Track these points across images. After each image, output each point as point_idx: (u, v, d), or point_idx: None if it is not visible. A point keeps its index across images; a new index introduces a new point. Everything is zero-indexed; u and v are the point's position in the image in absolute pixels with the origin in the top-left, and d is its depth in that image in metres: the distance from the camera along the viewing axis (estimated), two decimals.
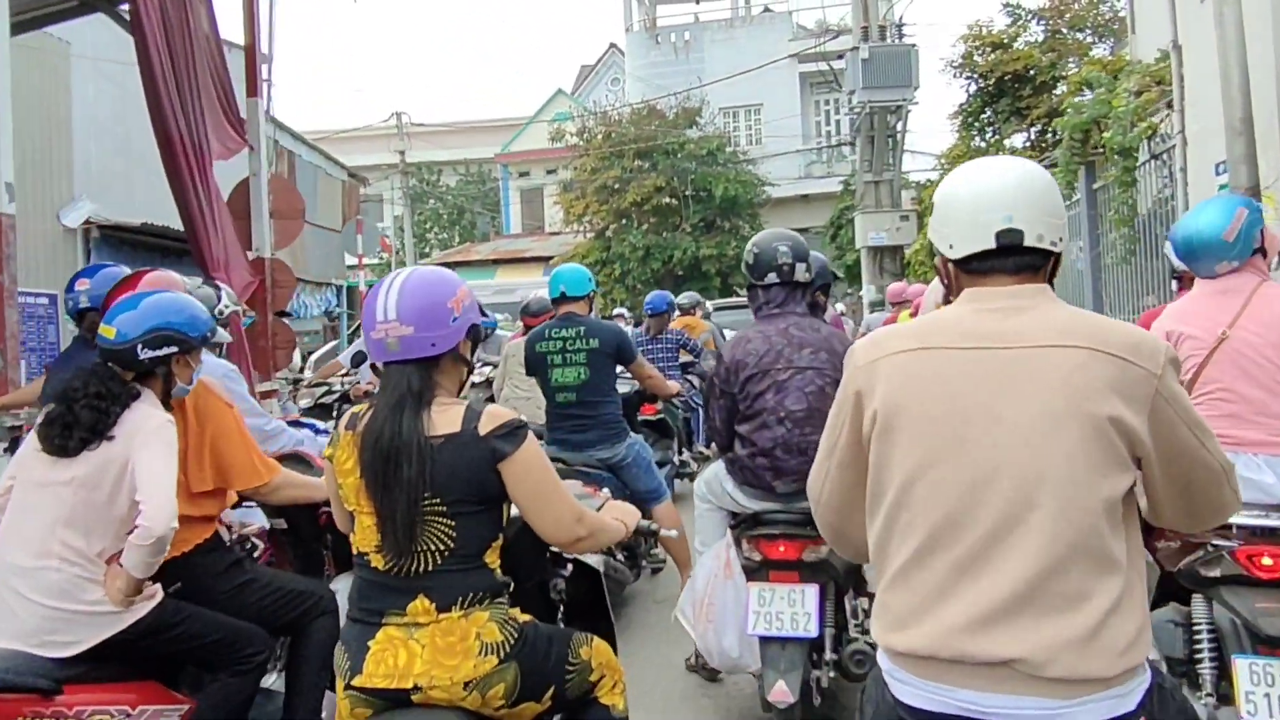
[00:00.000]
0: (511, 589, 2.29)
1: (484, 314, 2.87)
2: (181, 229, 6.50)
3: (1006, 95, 16.79)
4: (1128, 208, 8.21)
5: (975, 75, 17.20)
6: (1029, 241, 1.73)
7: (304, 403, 7.04)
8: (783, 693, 3.22)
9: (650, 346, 8.13)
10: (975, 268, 1.77)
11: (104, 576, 2.59)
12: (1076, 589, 1.57)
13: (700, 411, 8.34)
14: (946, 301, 1.89)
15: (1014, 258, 1.74)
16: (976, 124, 17.63)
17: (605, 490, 3.48)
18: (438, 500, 2.12)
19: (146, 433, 2.63)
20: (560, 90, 31.90)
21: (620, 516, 2.54)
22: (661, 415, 7.34)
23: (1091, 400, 1.60)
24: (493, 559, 2.21)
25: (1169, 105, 7.60)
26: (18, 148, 4.81)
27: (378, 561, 2.16)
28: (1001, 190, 1.74)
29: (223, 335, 3.85)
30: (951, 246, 1.79)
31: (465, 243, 33.08)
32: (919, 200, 18.66)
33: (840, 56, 18.47)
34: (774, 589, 3.38)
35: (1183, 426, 1.66)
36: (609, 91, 31.17)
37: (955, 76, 17.62)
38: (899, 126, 16.33)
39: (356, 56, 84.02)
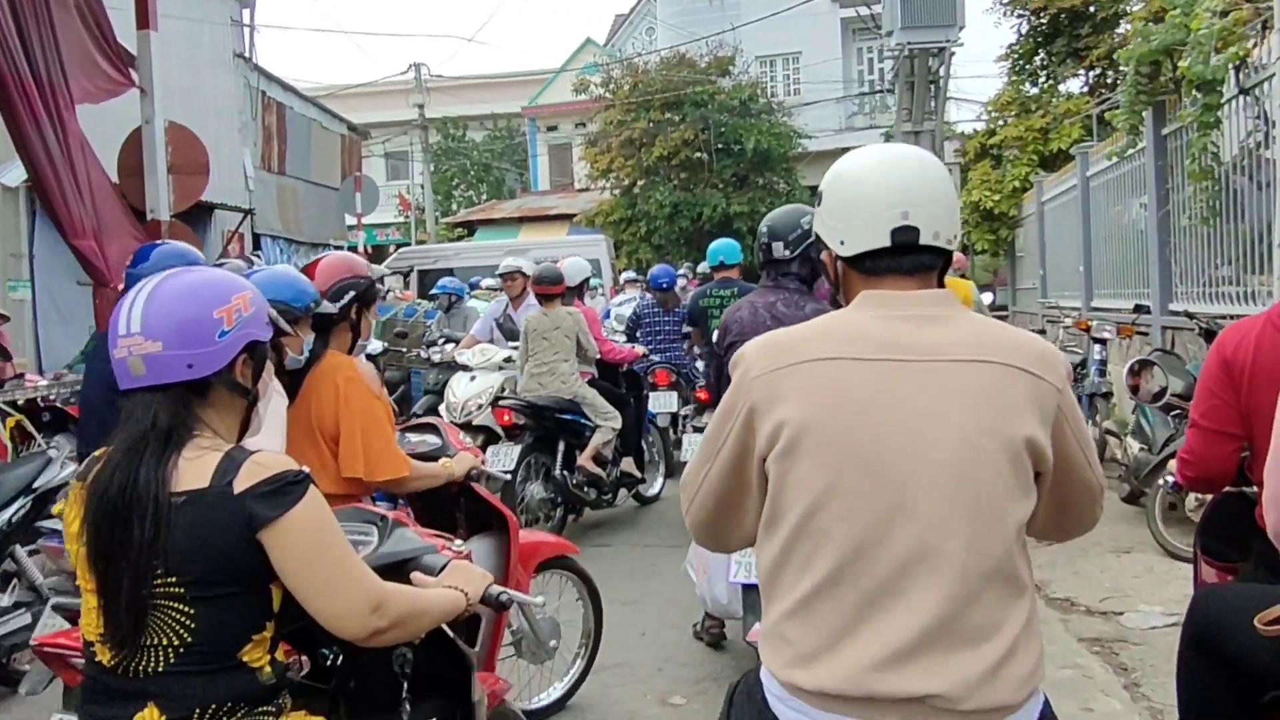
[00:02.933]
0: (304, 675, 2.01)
1: (282, 329, 2.04)
2: None
3: (1062, 34, 15.20)
4: (1209, 155, 6.68)
5: (1027, 12, 15.56)
6: (925, 240, 1.65)
7: None
8: (758, 634, 2.75)
9: (660, 319, 8.48)
10: (869, 267, 1.68)
11: None
12: (989, 618, 1.53)
13: (698, 381, 8.62)
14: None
15: (910, 257, 1.66)
16: (1028, 68, 16.12)
17: (459, 544, 2.41)
18: (173, 579, 1.65)
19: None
20: (589, 39, 30.52)
21: (461, 584, 2.02)
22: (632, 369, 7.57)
23: (1009, 421, 1.55)
24: (256, 656, 1.72)
25: (1265, 26, 6.07)
26: None
27: (104, 655, 1.71)
28: (896, 183, 1.66)
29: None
30: (842, 243, 1.70)
31: (493, 200, 31.94)
32: (963, 153, 17.11)
33: (880, 2, 16.91)
34: None
35: (1074, 443, 1.63)
36: (643, 42, 29.65)
37: (1005, 15, 16.01)
38: (941, 71, 14.88)
39: (372, 9, 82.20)
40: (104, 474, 1.69)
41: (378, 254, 21.58)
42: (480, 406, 6.68)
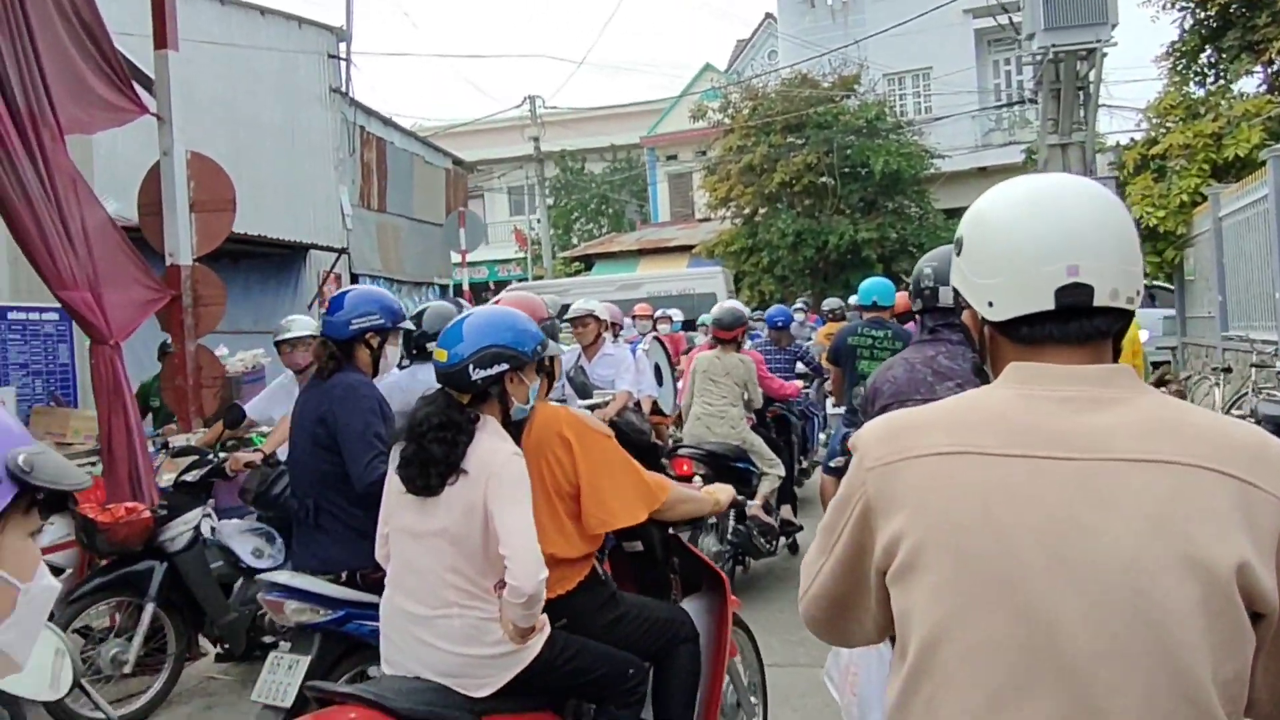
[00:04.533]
0: None
1: (19, 475, 1.04)
2: (241, 231, 4.89)
3: (1234, 26, 13.39)
4: None
5: (1191, 4, 13.80)
6: (1100, 300, 1.31)
7: (165, 479, 5.10)
8: None
9: (774, 356, 8.43)
10: (1026, 335, 1.35)
11: (499, 612, 2.61)
12: None
13: (814, 420, 9.17)
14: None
15: (1079, 322, 1.32)
16: (1193, 67, 14.26)
17: None
18: None
19: (495, 475, 2.59)
20: (709, 65, 29.69)
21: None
22: (783, 413, 7.75)
23: (1205, 544, 1.17)
24: None
25: None
26: None
27: None
28: (1060, 227, 1.32)
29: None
30: (991, 305, 1.37)
31: (612, 233, 31.39)
32: (1119, 165, 15.34)
33: (1020, 7, 15.41)
34: None
35: None
36: (764, 67, 28.65)
37: (1164, 9, 14.26)
38: (1091, 76, 13.24)
39: (482, 42, 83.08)
40: None
41: (498, 290, 21.15)
42: None
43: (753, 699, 3.42)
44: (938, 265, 3.26)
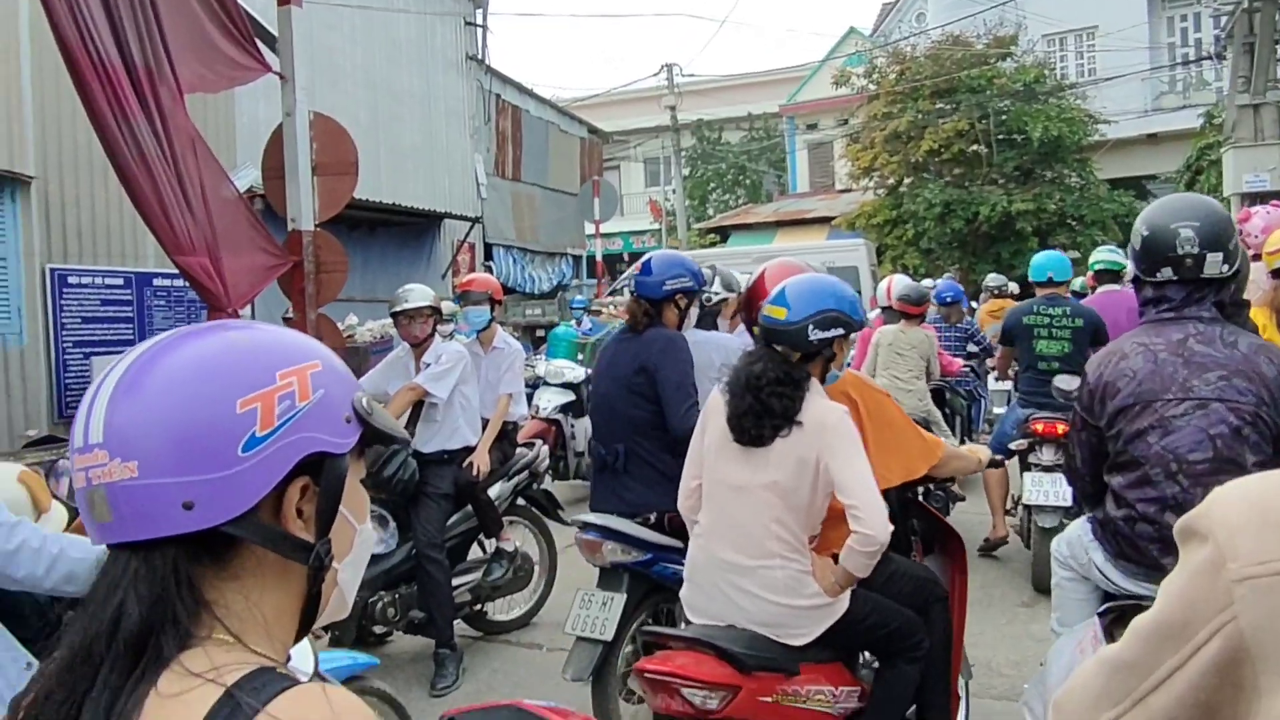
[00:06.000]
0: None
1: (363, 416, 1.04)
2: (379, 199, 4.71)
3: None
4: None
5: None
6: None
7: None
8: None
9: (944, 333, 8.41)
10: None
11: (812, 567, 2.75)
12: None
13: (982, 402, 9.02)
14: None
15: None
16: None
17: None
18: None
19: (831, 429, 2.69)
20: (853, 29, 28.54)
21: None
22: (940, 387, 7.63)
23: None
24: None
25: None
26: None
27: None
28: None
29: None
30: None
31: (749, 203, 30.68)
32: None
33: None
34: None
35: None
36: (914, 29, 27.34)
37: None
38: None
39: (618, 12, 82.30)
40: (28, 717, 0.93)
41: (632, 262, 20.87)
42: None
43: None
44: (1202, 226, 2.61)
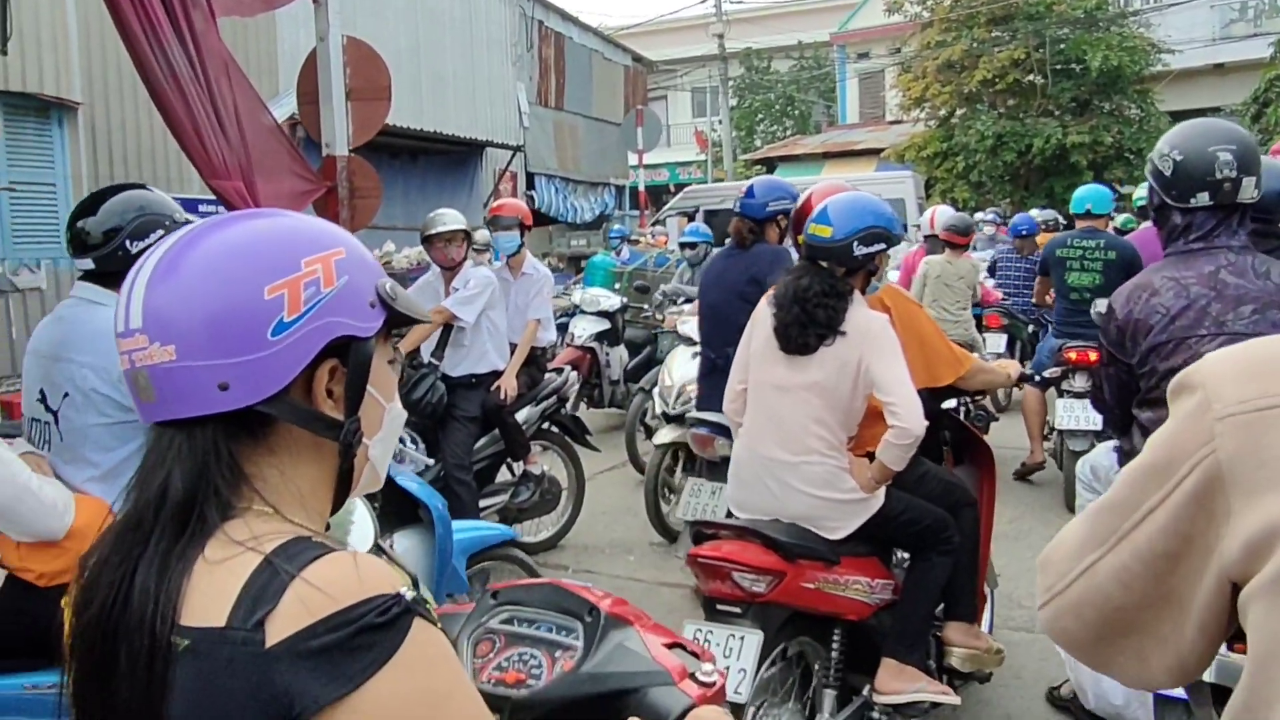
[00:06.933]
0: None
1: (387, 300, 1.09)
2: (420, 127, 4.79)
3: None
4: None
5: None
6: None
7: None
8: None
9: (1016, 264, 8.72)
10: None
11: (850, 465, 2.94)
12: None
13: (1049, 329, 9.40)
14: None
15: None
16: None
17: (709, 669, 1.66)
18: None
19: (874, 335, 2.87)
20: None
21: None
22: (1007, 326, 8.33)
23: None
24: None
25: None
26: None
27: None
28: None
29: None
30: None
31: (797, 135, 30.18)
32: None
33: None
34: None
35: None
36: None
37: None
38: None
39: None
40: (82, 573, 1.02)
41: (677, 193, 20.74)
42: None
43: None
44: (1238, 150, 2.54)
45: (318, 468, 1.08)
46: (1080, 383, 5.76)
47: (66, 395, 2.43)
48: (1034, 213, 11.46)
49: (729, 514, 3.21)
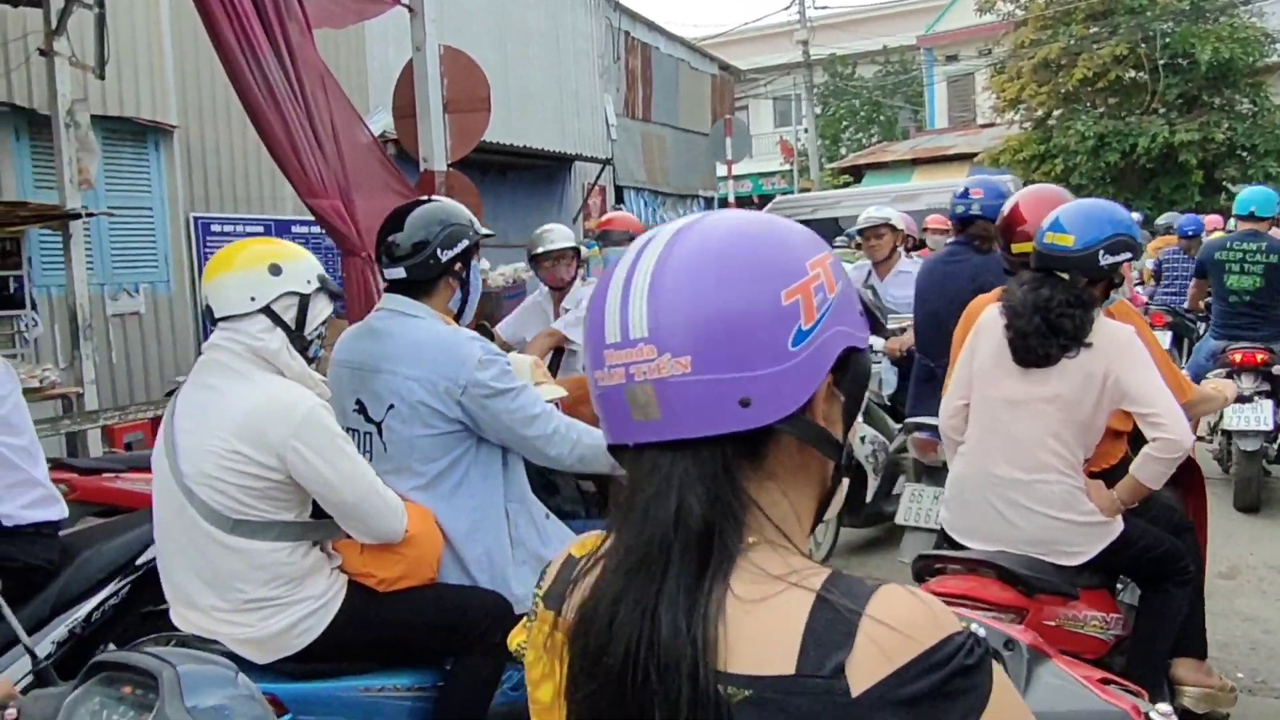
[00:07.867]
0: None
1: (869, 307, 1.04)
2: (509, 142, 4.61)
3: None
4: None
5: None
6: None
7: None
8: None
9: (1184, 265, 8.63)
10: None
11: (1086, 487, 2.79)
12: None
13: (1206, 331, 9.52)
14: None
15: None
16: None
17: None
18: None
19: (1123, 346, 2.76)
20: None
21: None
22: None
23: None
24: None
25: None
26: None
27: None
28: None
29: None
30: None
31: (884, 141, 29.54)
32: None
33: None
34: None
35: None
36: None
37: None
38: None
39: None
40: (591, 611, 0.92)
41: (761, 205, 20.36)
42: None
43: None
44: None
45: (809, 490, 1.01)
46: (1248, 384, 5.74)
47: (392, 407, 2.51)
48: (1164, 218, 11.82)
49: (944, 535, 3.06)
